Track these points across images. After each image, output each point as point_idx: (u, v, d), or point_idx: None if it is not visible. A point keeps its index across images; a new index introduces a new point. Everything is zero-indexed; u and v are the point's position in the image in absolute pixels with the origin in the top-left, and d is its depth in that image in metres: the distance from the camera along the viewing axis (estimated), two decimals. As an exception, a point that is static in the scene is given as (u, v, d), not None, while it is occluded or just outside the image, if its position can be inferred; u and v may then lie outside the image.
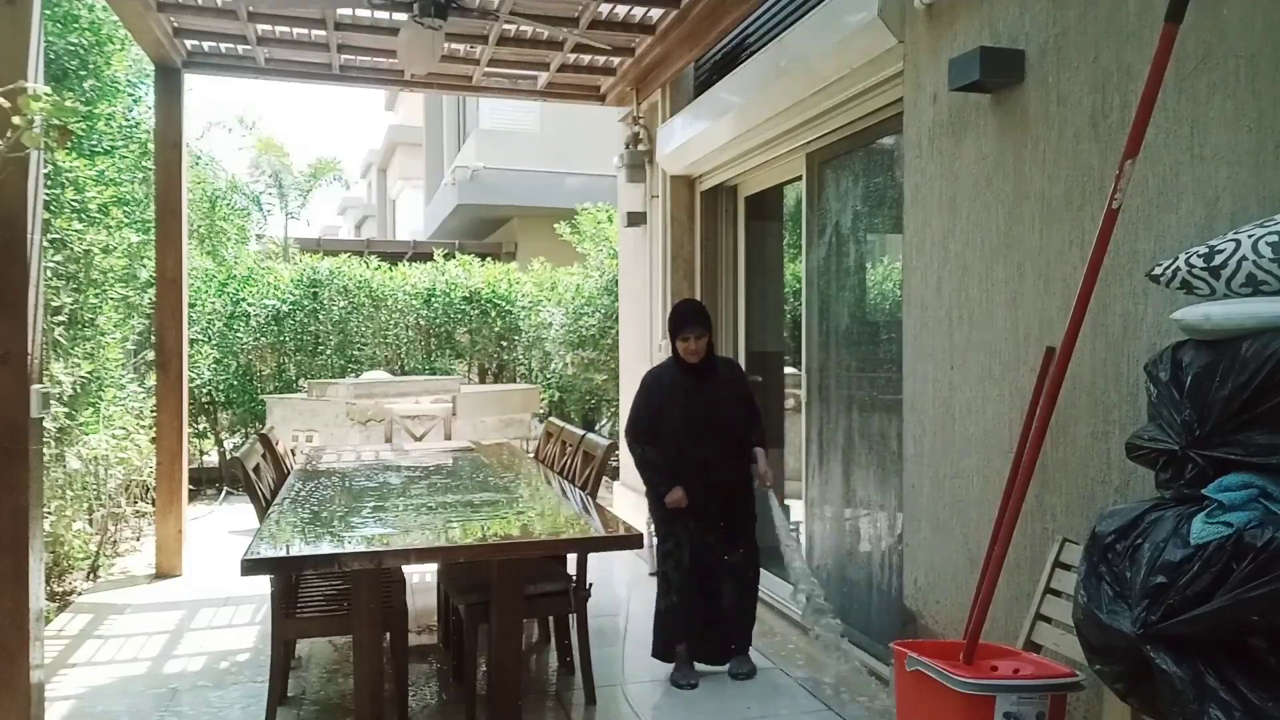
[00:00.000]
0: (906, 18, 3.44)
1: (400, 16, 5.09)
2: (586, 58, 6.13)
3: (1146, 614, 1.56)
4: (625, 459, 7.12)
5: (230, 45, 5.75)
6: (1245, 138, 2.14)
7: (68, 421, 5.29)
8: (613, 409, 9.93)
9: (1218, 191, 2.21)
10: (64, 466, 5.28)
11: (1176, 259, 1.83)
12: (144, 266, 6.42)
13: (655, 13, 5.29)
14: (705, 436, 3.88)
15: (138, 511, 6.60)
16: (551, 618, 4.15)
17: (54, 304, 5.12)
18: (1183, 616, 1.51)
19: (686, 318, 3.89)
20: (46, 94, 3.03)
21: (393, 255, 12.84)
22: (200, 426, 9.08)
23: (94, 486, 5.74)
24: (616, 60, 6.07)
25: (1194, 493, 1.67)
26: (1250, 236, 1.71)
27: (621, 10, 5.32)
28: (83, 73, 5.67)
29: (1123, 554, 1.69)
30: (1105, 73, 2.55)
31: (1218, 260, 1.73)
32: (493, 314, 10.41)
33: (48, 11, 5.17)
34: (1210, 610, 1.48)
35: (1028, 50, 2.84)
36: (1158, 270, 1.89)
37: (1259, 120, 2.11)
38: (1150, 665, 1.55)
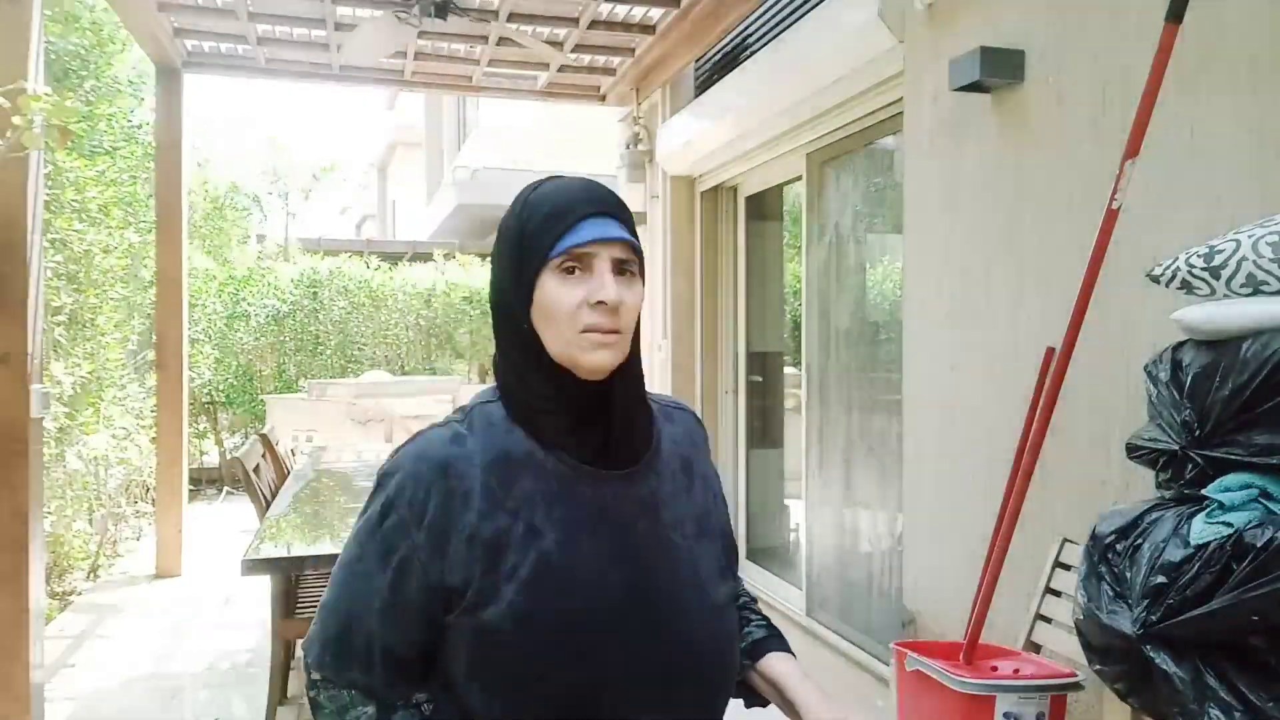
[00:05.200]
0: (906, 18, 3.44)
1: (401, 16, 5.09)
2: (587, 58, 6.13)
3: (1146, 614, 1.56)
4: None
5: (230, 45, 5.75)
6: (1246, 138, 2.14)
7: (68, 421, 5.29)
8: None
9: (1218, 191, 2.21)
10: (64, 466, 5.28)
11: (1176, 259, 1.83)
12: (145, 266, 6.43)
13: (655, 13, 5.29)
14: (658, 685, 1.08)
15: (138, 512, 6.60)
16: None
17: (54, 304, 5.13)
18: (1183, 617, 1.51)
19: (580, 198, 1.11)
20: (46, 94, 3.03)
21: (393, 255, 12.84)
22: (200, 426, 9.08)
23: (94, 486, 5.74)
24: (616, 60, 6.07)
25: (1194, 493, 1.66)
26: (1250, 236, 1.71)
27: (621, 10, 5.32)
28: (84, 73, 5.68)
29: (1123, 554, 1.69)
30: (1105, 73, 2.55)
31: (1218, 260, 1.72)
32: (493, 314, 10.41)
33: (49, 12, 5.17)
34: (1210, 610, 1.48)
35: (1028, 50, 2.84)
36: (1157, 270, 1.89)
37: (1260, 120, 2.11)
38: (1150, 665, 1.55)
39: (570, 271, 1.07)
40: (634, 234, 1.12)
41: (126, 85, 6.40)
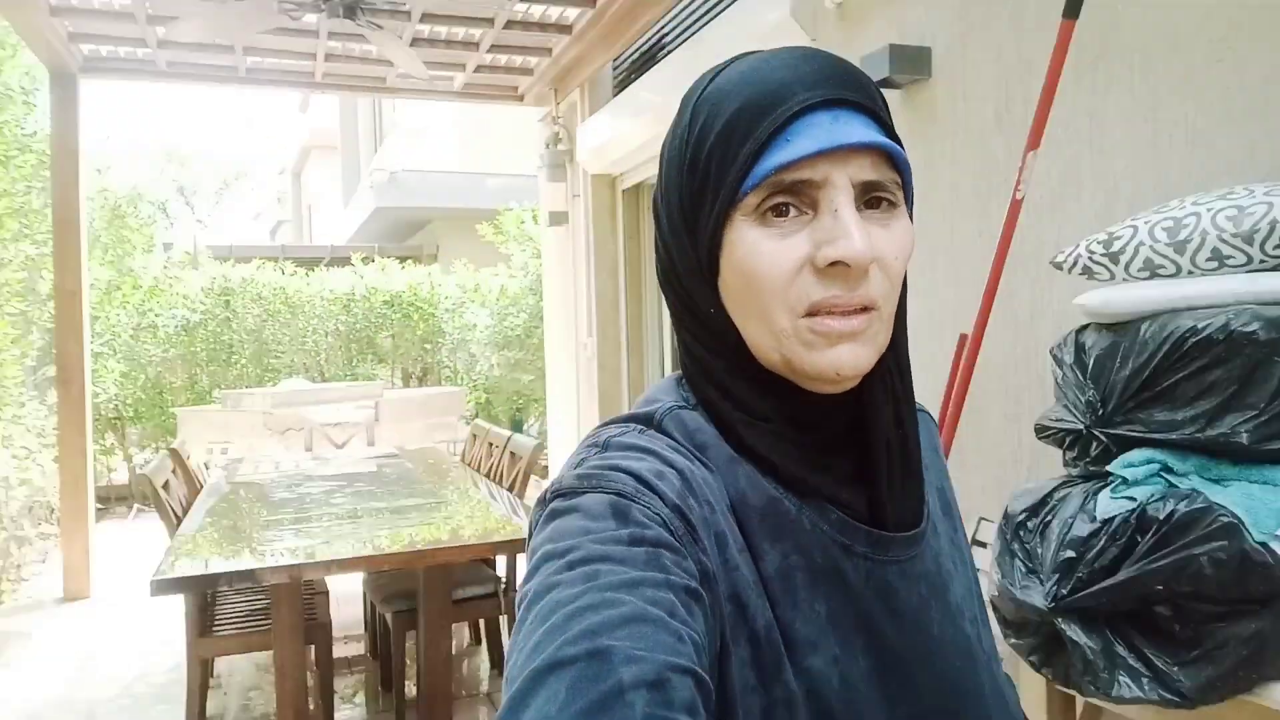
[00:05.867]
0: (818, 17, 3.49)
1: (311, 17, 4.97)
2: (503, 58, 6.08)
3: (1057, 588, 1.61)
4: (556, 457, 7.09)
5: (129, 49, 5.52)
6: (1141, 128, 2.23)
7: (-37, 442, 5.03)
8: (540, 409, 9.86)
9: (1116, 180, 2.30)
10: (-40, 489, 5.01)
11: (1078, 246, 1.90)
12: (43, 279, 6.14)
13: (571, 13, 5.27)
14: None
15: (42, 534, 6.31)
16: (482, 620, 4.10)
17: (-56, 318, 4.86)
18: (1091, 589, 1.56)
19: (789, 78, 0.61)
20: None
21: (310, 260, 12.54)
22: (108, 443, 8.72)
23: (-6, 509, 5.47)
24: (534, 60, 6.03)
25: (1099, 470, 1.73)
26: (1147, 223, 1.78)
27: (537, 10, 5.28)
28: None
29: (1034, 531, 1.74)
30: (1008, 68, 2.63)
31: (1116, 246, 1.79)
32: (415, 317, 10.25)
33: (-72, 10, 4.89)
34: (1117, 582, 1.53)
35: (935, 47, 2.91)
36: (1060, 257, 1.95)
37: (1154, 111, 2.20)
38: (1062, 637, 1.60)
39: (780, 212, 0.62)
40: (891, 133, 0.64)
41: (18, 92, 6.10)
